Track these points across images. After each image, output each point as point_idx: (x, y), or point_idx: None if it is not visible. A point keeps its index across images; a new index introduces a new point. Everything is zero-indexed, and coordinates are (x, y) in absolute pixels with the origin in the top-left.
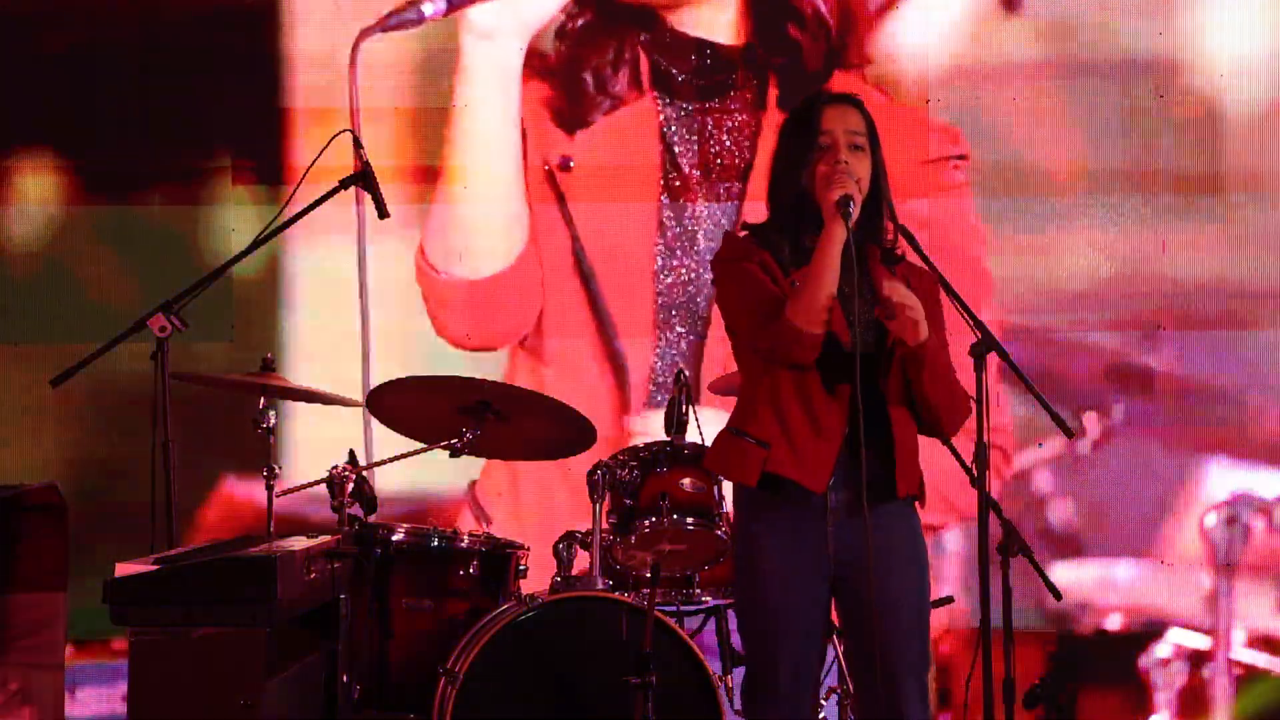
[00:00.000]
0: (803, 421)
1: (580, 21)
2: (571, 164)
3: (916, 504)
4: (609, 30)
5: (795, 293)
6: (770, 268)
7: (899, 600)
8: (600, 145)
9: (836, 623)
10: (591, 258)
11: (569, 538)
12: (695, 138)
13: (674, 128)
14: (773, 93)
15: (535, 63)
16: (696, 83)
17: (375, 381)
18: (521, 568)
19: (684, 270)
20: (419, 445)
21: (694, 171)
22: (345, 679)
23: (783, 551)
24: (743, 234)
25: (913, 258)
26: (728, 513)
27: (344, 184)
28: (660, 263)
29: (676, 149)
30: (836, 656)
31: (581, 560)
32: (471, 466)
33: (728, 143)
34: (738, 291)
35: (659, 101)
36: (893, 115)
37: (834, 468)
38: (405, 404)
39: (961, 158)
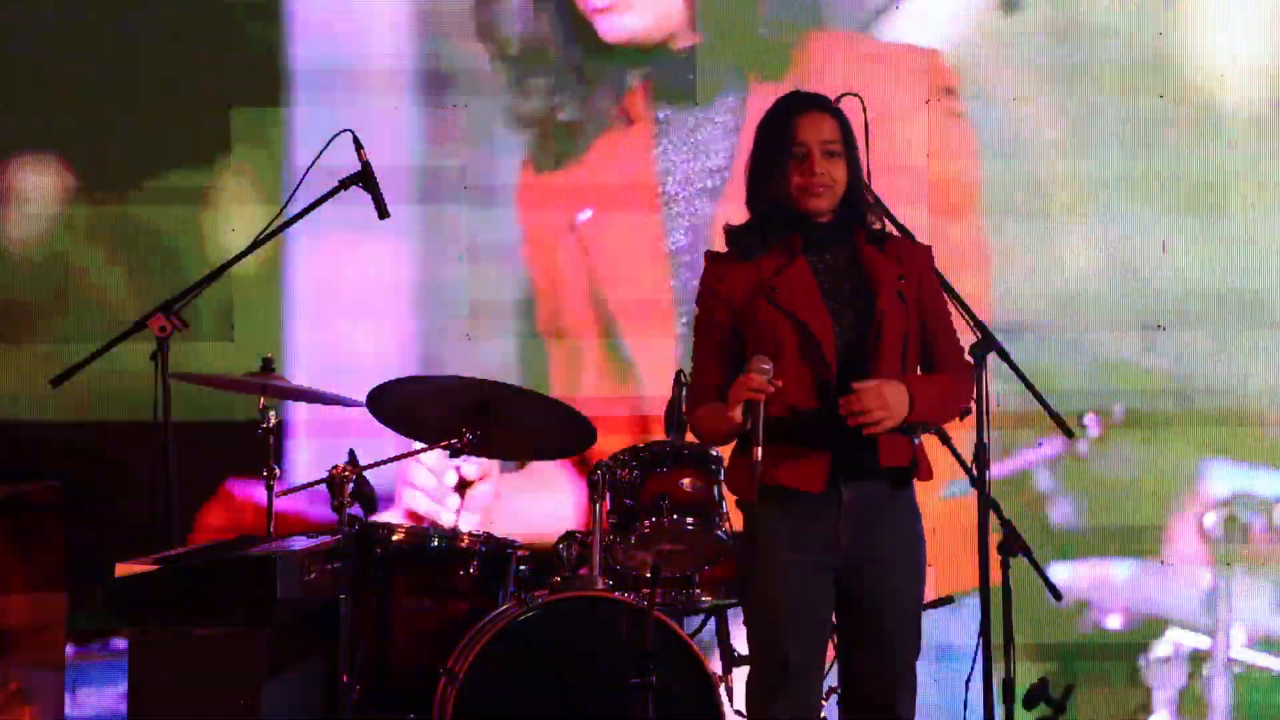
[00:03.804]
0: (794, 426)
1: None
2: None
3: (919, 481)
4: (595, 62)
5: (703, 420)
6: (731, 302)
7: (900, 593)
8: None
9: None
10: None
11: (569, 538)
12: (693, 139)
13: (670, 136)
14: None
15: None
16: (693, 90)
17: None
18: (521, 568)
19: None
20: (419, 445)
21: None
22: (345, 679)
23: (791, 546)
24: (721, 251)
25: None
26: (727, 513)
27: (344, 184)
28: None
29: (673, 157)
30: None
31: (581, 560)
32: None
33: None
34: (694, 356)
35: (654, 116)
36: (888, 58)
37: (833, 462)
38: (405, 404)
39: (949, 91)
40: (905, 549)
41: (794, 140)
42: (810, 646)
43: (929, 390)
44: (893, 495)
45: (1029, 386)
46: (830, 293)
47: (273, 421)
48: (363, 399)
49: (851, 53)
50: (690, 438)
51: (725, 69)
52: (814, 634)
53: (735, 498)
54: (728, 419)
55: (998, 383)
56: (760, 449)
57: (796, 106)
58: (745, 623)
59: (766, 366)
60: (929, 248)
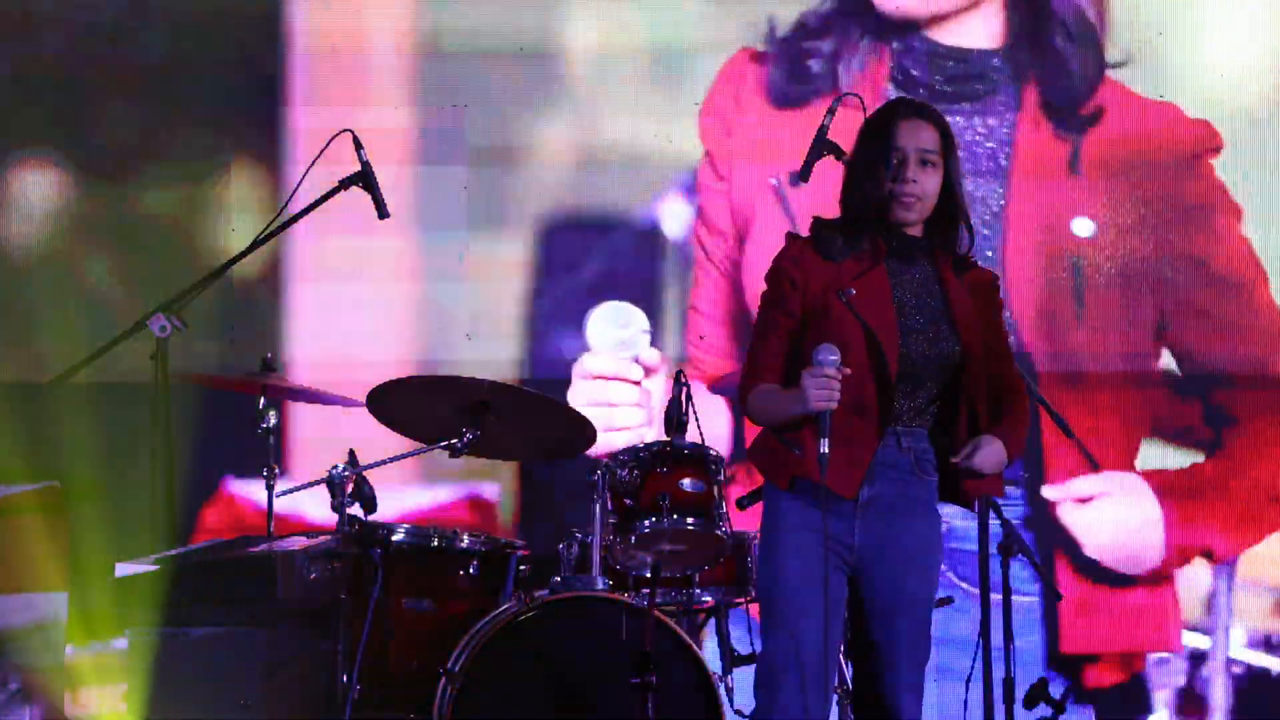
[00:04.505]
0: (839, 428)
1: (828, 14)
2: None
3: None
4: (857, 30)
5: (761, 398)
6: (806, 291)
7: (914, 597)
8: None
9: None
10: None
11: (569, 538)
12: None
13: None
14: (1030, 95)
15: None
16: (944, 88)
17: None
18: (521, 568)
19: None
20: (419, 445)
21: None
22: (345, 679)
23: (813, 539)
24: (804, 236)
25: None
26: (727, 512)
27: (344, 184)
28: None
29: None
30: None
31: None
32: None
33: (978, 146)
34: (758, 332)
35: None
36: (1145, 112)
37: (866, 472)
38: (405, 404)
39: (1215, 149)
40: (920, 550)
41: (892, 144)
42: (825, 637)
43: (1011, 440)
44: (912, 496)
45: (1030, 388)
46: (904, 309)
47: (273, 421)
48: (363, 399)
49: (1129, 105)
50: (690, 437)
51: (1002, 78)
52: (827, 626)
53: (735, 496)
54: (792, 407)
55: None
56: (826, 441)
57: (900, 112)
58: (760, 610)
59: (835, 357)
60: (997, 276)
